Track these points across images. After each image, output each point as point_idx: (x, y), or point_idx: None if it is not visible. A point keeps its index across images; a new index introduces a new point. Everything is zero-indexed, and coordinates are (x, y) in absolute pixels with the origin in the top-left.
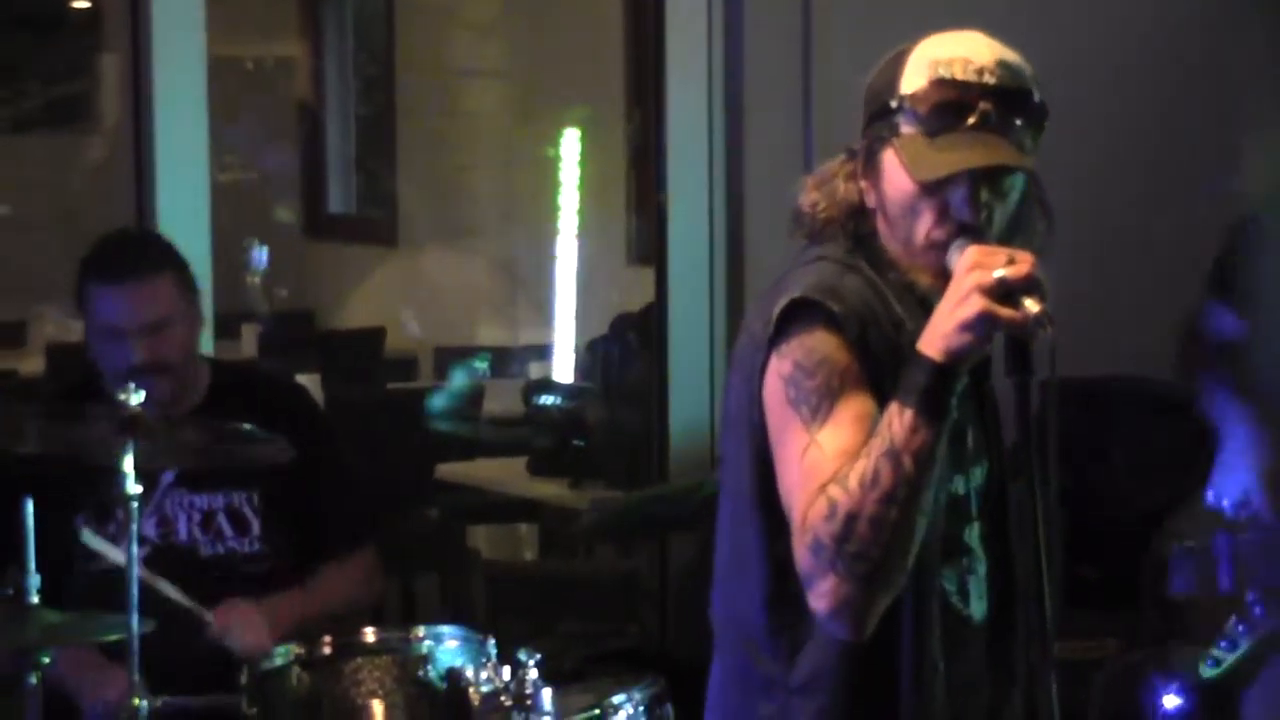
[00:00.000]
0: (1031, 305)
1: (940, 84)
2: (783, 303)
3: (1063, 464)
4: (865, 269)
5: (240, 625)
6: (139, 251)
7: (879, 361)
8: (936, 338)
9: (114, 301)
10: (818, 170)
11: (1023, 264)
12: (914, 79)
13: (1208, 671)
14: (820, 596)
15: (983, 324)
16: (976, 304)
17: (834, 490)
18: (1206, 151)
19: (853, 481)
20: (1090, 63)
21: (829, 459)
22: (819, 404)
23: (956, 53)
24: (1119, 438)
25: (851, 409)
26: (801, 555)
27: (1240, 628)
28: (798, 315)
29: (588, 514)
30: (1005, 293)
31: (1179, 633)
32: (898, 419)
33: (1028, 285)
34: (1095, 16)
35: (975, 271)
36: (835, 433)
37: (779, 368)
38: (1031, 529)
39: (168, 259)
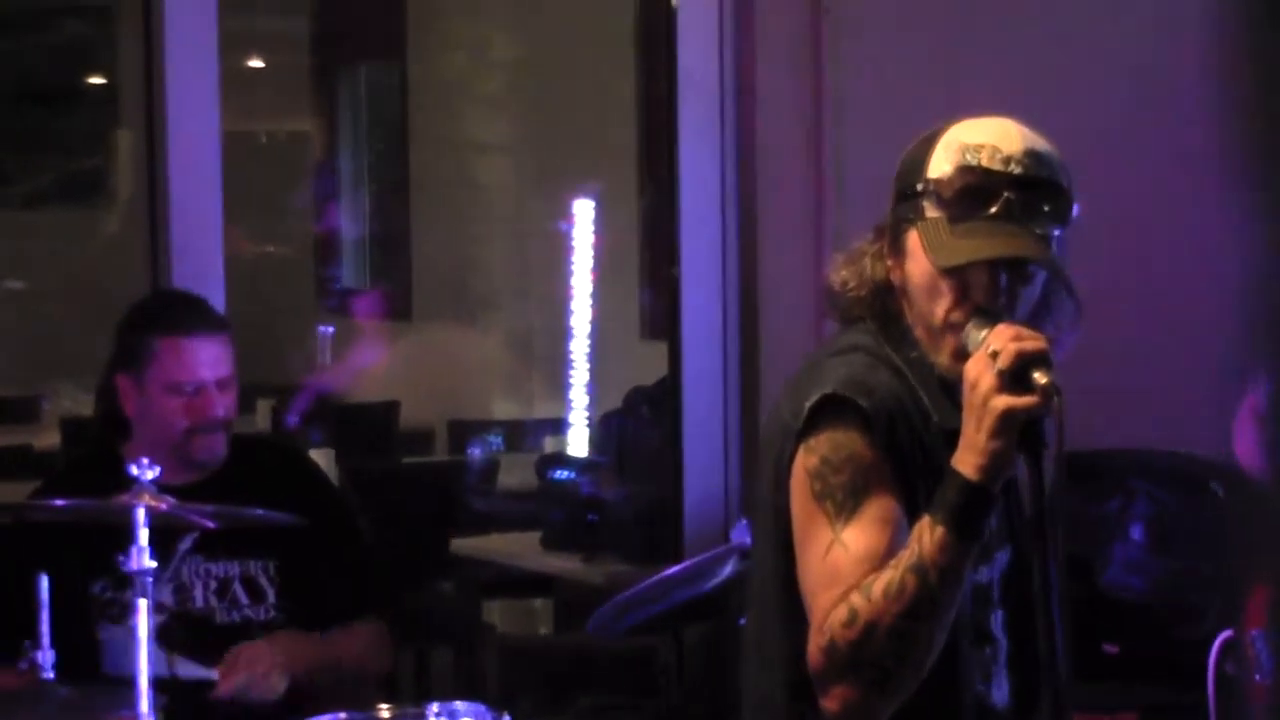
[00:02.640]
0: (1040, 378)
1: (966, 170)
2: (815, 397)
3: (1078, 536)
4: (895, 359)
5: (249, 669)
6: (206, 308)
7: (907, 458)
8: (969, 454)
9: (190, 353)
10: (848, 248)
11: (1027, 340)
12: (941, 163)
13: None
14: (831, 699)
15: (1009, 424)
16: (997, 406)
17: (856, 598)
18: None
19: (876, 591)
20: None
21: (851, 561)
22: (844, 501)
23: (985, 139)
24: (1134, 511)
25: (877, 509)
26: (815, 655)
27: None
28: (828, 410)
29: (595, 618)
30: (1016, 377)
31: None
32: (929, 534)
33: (1034, 359)
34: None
35: (985, 375)
36: (859, 533)
37: (806, 461)
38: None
39: (225, 319)
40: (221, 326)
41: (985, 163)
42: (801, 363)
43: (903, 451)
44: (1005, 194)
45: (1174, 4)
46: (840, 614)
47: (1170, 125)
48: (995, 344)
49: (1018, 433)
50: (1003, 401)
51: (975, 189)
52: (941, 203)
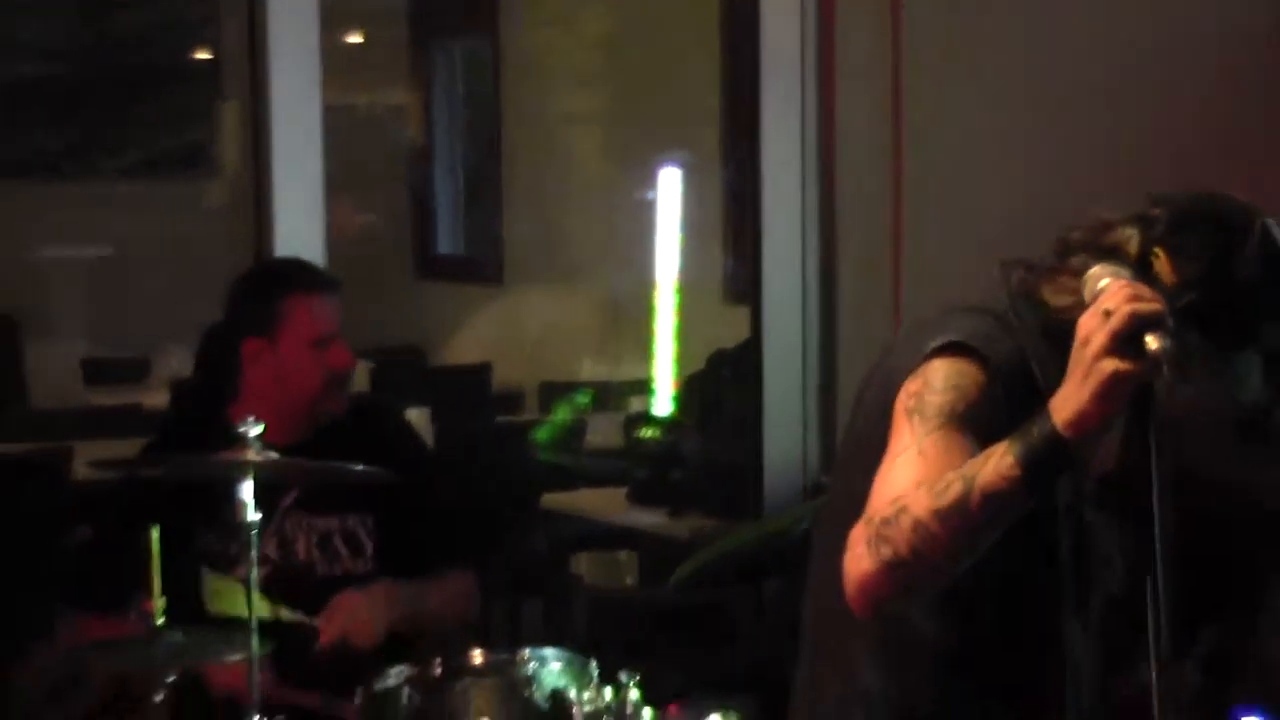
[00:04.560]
0: (1152, 342)
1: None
2: (940, 341)
3: None
4: (1020, 334)
5: (351, 613)
6: (320, 269)
7: (1006, 413)
8: (1066, 404)
9: (322, 309)
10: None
11: (1144, 301)
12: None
13: None
14: (849, 560)
15: (1115, 388)
16: (1105, 368)
17: (910, 494)
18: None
19: (924, 485)
20: None
21: (916, 465)
22: (934, 418)
23: None
24: None
25: (962, 441)
26: (855, 533)
27: None
28: (948, 351)
29: (678, 572)
30: (1129, 338)
31: None
32: (997, 457)
33: (1150, 322)
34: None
35: (1097, 335)
36: (939, 447)
37: (910, 385)
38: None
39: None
40: (336, 285)
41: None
42: (931, 314)
43: (1005, 401)
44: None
45: None
46: (892, 493)
47: None
48: (1109, 303)
49: (1125, 399)
50: (1110, 364)
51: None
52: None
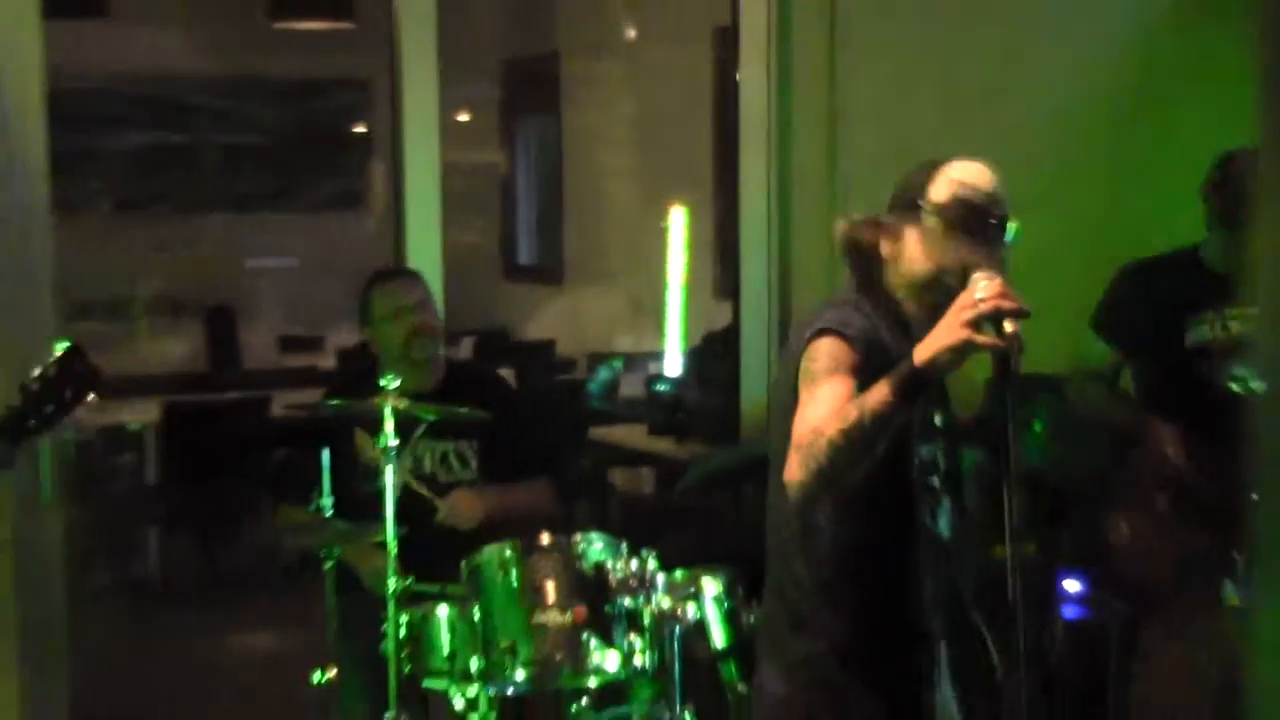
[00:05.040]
0: (1008, 326)
1: (960, 200)
2: (815, 328)
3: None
4: (867, 309)
5: (461, 503)
6: (398, 268)
7: (864, 365)
8: (925, 348)
9: (400, 290)
10: (855, 223)
11: (1009, 299)
12: (941, 190)
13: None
14: (788, 474)
15: (963, 348)
16: (961, 334)
17: (823, 419)
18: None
19: (833, 414)
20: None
21: (820, 402)
22: (821, 375)
23: (970, 179)
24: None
25: (842, 379)
26: (790, 452)
27: None
28: (820, 335)
29: (682, 481)
30: (992, 320)
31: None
32: (878, 389)
33: (1010, 313)
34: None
35: (966, 310)
36: (828, 392)
37: (804, 361)
38: (997, 485)
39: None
40: (410, 273)
41: (972, 197)
42: (808, 314)
43: (862, 360)
44: (983, 220)
45: None
46: (809, 426)
47: None
48: (984, 293)
49: (962, 360)
50: (968, 332)
51: (965, 214)
52: (940, 211)
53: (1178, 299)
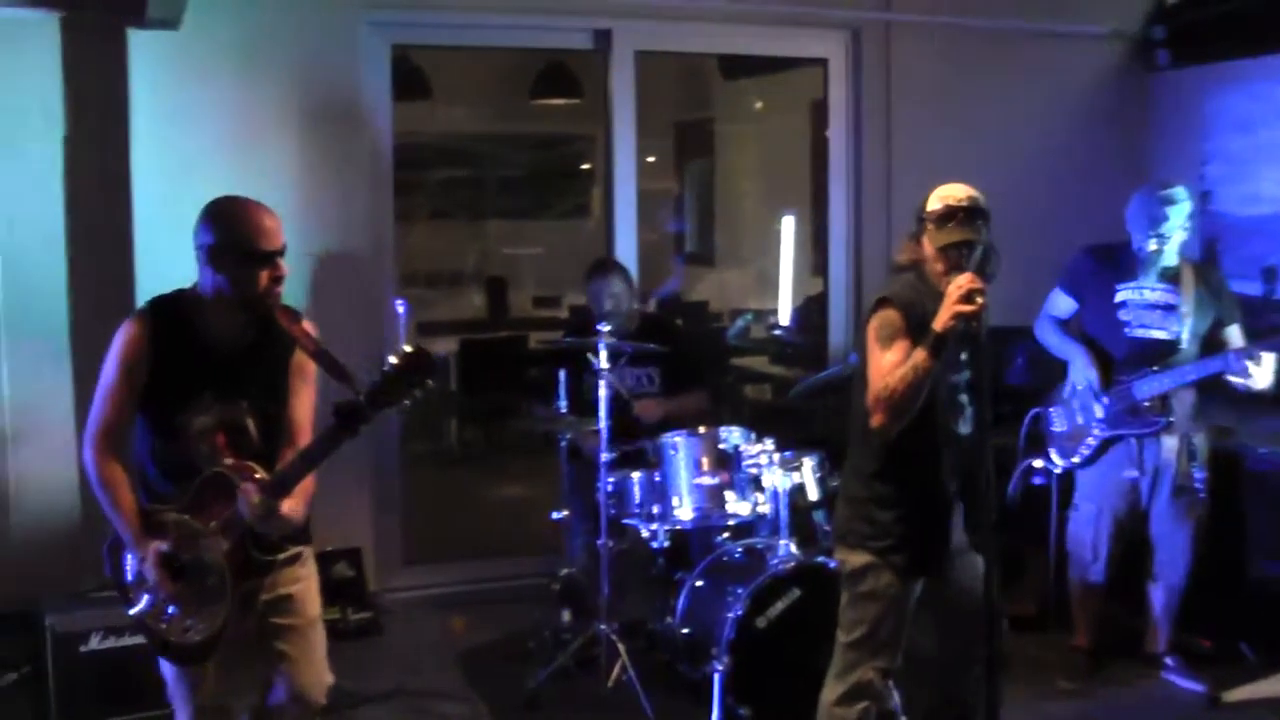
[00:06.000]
0: (979, 300)
1: (945, 208)
2: (877, 297)
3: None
4: (915, 283)
5: (648, 407)
6: (612, 261)
7: (916, 326)
8: (938, 322)
9: (600, 281)
10: (902, 243)
11: (975, 283)
12: (934, 203)
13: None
14: (875, 418)
15: (958, 318)
16: (955, 309)
17: (889, 377)
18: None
19: (895, 374)
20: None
21: (887, 365)
22: (886, 340)
23: (949, 193)
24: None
25: (900, 344)
26: (870, 401)
27: None
28: (882, 302)
29: (790, 392)
30: (967, 298)
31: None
32: (918, 351)
33: (979, 293)
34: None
35: (954, 293)
36: (892, 354)
37: (872, 324)
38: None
39: (620, 264)
40: (617, 267)
41: (952, 203)
42: (879, 284)
43: (913, 323)
44: (961, 214)
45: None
46: (881, 383)
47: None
48: (959, 280)
49: (962, 322)
50: (957, 307)
51: (947, 214)
52: (934, 220)
53: (1115, 271)
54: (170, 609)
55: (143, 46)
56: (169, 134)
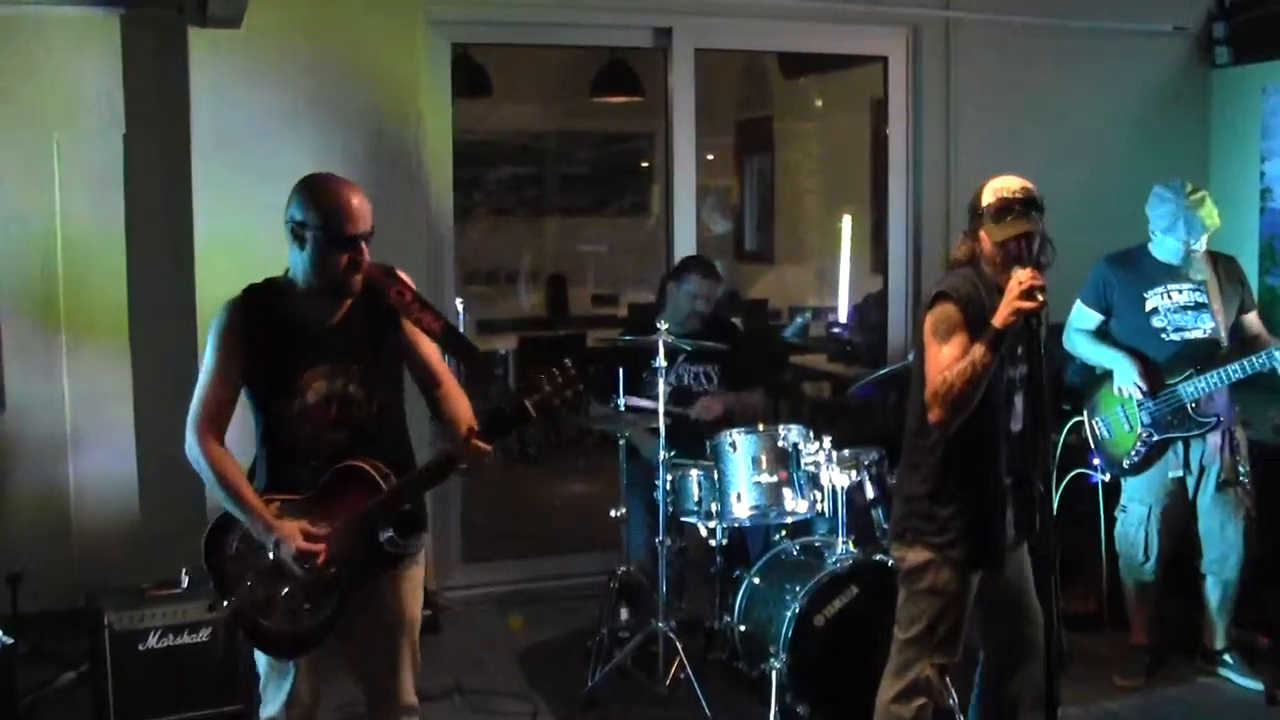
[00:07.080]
0: (1040, 295)
1: (1000, 200)
2: (935, 291)
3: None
4: (973, 277)
5: (707, 404)
6: (703, 259)
7: (973, 320)
8: (998, 318)
9: (697, 280)
10: (959, 239)
11: (1036, 277)
12: (988, 197)
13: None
14: (933, 414)
15: (1018, 314)
16: (1015, 305)
17: (947, 372)
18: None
19: (954, 369)
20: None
21: (946, 360)
22: (944, 335)
23: (1006, 185)
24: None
25: (958, 339)
26: (929, 396)
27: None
28: (940, 297)
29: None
30: (1029, 294)
31: None
32: (977, 347)
33: (1040, 287)
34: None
35: (1015, 289)
36: (950, 348)
37: (929, 319)
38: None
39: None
40: (716, 270)
41: (1006, 196)
42: (937, 277)
43: (971, 316)
44: (1017, 207)
45: None
46: (940, 378)
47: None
48: (1020, 276)
49: (1023, 318)
50: (1018, 303)
51: (1004, 207)
52: (990, 214)
53: (1139, 279)
54: (285, 590)
55: (205, 45)
56: (230, 132)
